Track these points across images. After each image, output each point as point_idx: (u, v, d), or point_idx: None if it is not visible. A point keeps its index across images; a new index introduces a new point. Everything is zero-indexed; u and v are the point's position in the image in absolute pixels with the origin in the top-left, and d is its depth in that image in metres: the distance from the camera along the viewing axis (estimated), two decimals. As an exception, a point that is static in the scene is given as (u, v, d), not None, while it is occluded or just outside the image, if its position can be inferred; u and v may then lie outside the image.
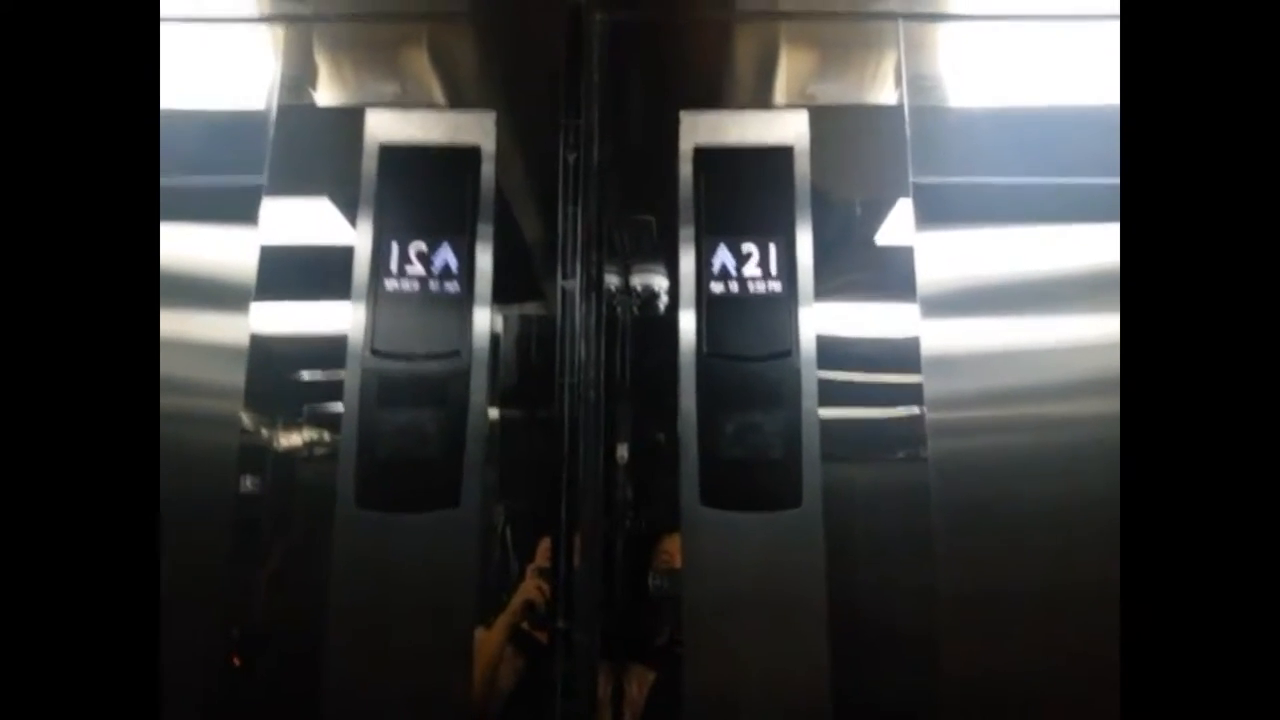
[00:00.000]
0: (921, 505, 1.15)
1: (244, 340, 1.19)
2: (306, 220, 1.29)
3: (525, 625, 1.15)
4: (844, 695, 1.06)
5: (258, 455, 1.18)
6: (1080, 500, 1.18)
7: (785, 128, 1.26)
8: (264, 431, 1.19)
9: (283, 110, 1.31)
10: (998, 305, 1.27)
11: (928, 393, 1.19)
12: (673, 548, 1.18)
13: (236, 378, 1.18)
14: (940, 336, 1.22)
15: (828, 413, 1.16)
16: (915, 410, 1.19)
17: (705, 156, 1.24)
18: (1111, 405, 1.21)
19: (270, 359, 1.21)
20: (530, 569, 1.16)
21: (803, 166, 1.24)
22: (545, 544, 1.16)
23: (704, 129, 1.26)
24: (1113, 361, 1.21)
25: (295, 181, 1.29)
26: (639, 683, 1.22)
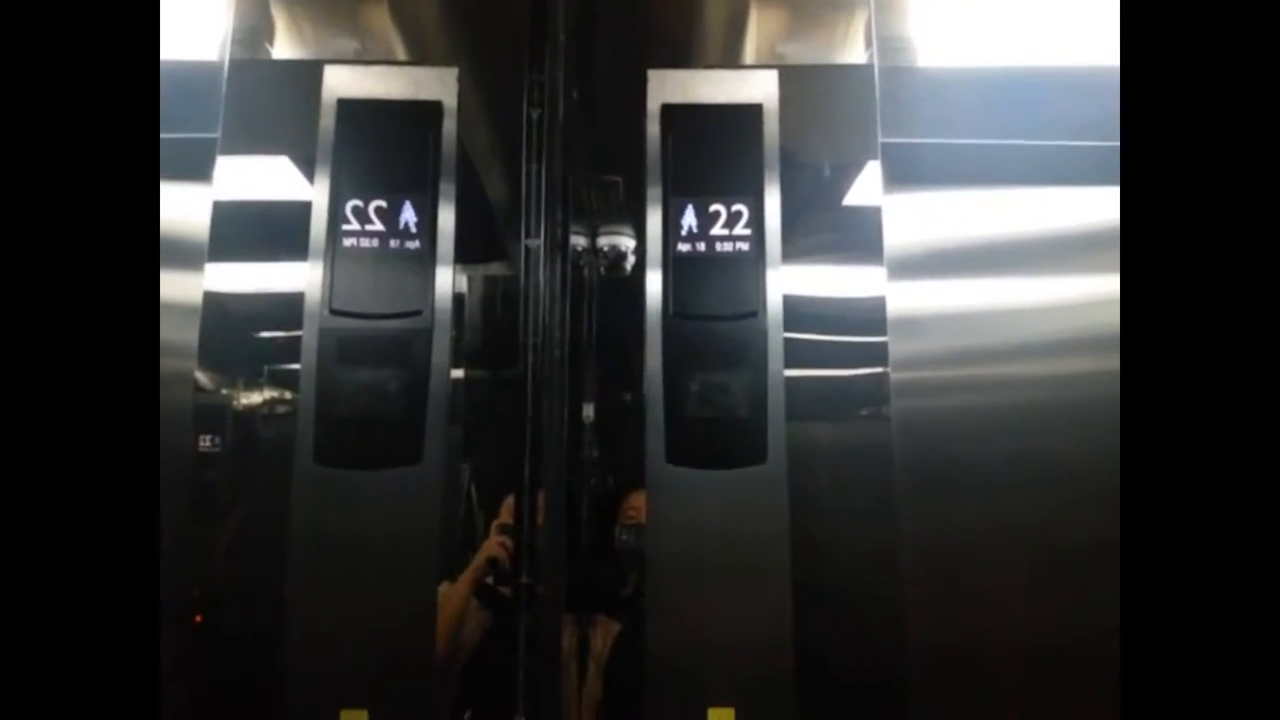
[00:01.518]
0: (885, 463, 1.16)
1: (197, 298, 1.16)
2: (262, 176, 1.25)
3: (490, 581, 1.15)
4: (807, 648, 1.07)
5: (214, 414, 1.16)
6: (1042, 458, 1.20)
7: (754, 86, 1.24)
8: (222, 390, 1.17)
9: (236, 64, 1.27)
10: (964, 267, 1.28)
11: (892, 353, 1.20)
12: (639, 503, 1.18)
13: (190, 335, 1.15)
14: (906, 298, 1.22)
15: (794, 372, 1.16)
16: (880, 370, 1.20)
17: (673, 115, 1.22)
18: (1075, 365, 1.23)
19: (225, 317, 1.18)
20: (494, 525, 1.16)
21: (772, 126, 1.22)
22: (509, 501, 1.16)
23: (672, 87, 1.24)
24: (1077, 323, 1.24)
25: (250, 137, 1.25)
26: (603, 635, 1.23)
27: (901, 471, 1.17)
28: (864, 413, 1.21)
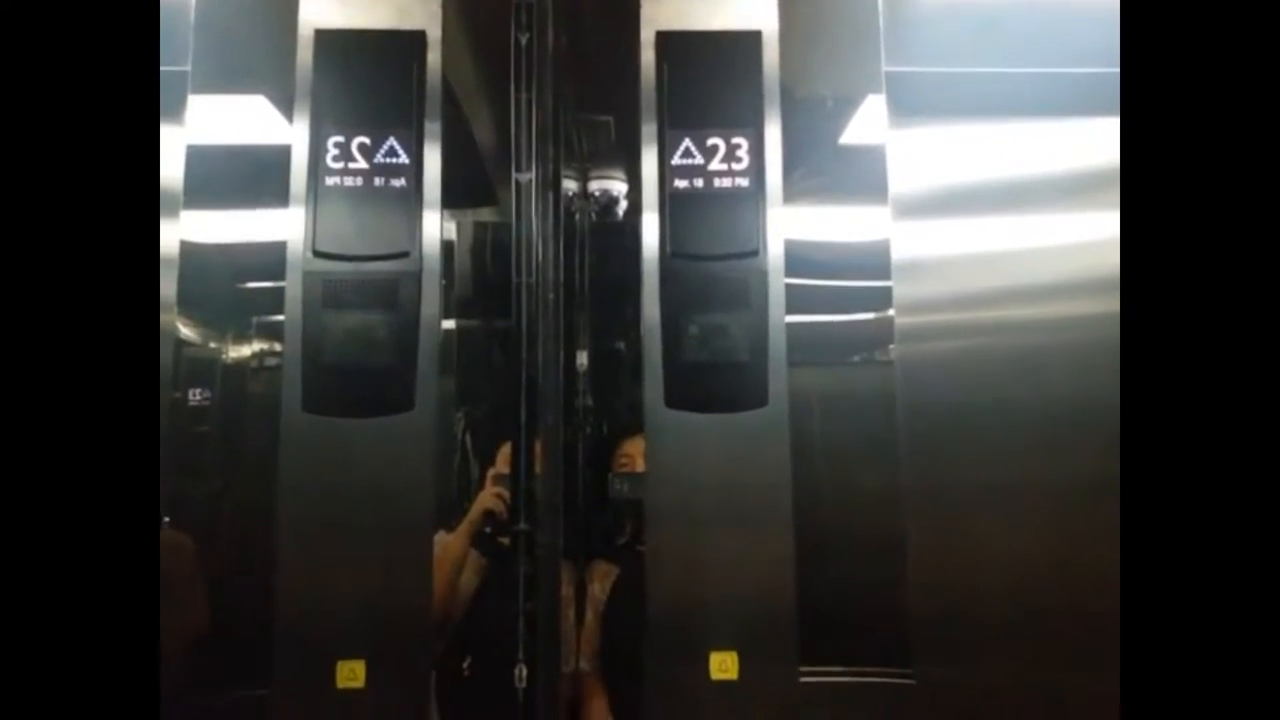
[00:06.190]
0: (887, 407, 1.14)
1: (174, 247, 1.11)
2: (237, 115, 1.19)
3: (487, 530, 1.13)
4: (809, 592, 1.06)
5: (199, 367, 1.12)
6: (1044, 401, 1.18)
7: (753, 12, 1.18)
8: (210, 344, 1.13)
9: (205, -9, 1.19)
10: (968, 206, 1.23)
11: (896, 296, 1.16)
12: (633, 450, 1.16)
13: (167, 287, 1.10)
14: (910, 239, 1.18)
15: (796, 318, 1.12)
16: (883, 314, 1.17)
17: (668, 42, 1.16)
18: (1083, 307, 1.20)
19: (205, 266, 1.13)
20: (490, 475, 1.14)
21: (771, 54, 1.17)
22: (505, 450, 1.13)
23: (666, 13, 1.18)
24: (1088, 262, 1.20)
25: (223, 73, 1.18)
26: (601, 580, 1.22)
27: (903, 415, 1.14)
28: (867, 357, 1.18)
